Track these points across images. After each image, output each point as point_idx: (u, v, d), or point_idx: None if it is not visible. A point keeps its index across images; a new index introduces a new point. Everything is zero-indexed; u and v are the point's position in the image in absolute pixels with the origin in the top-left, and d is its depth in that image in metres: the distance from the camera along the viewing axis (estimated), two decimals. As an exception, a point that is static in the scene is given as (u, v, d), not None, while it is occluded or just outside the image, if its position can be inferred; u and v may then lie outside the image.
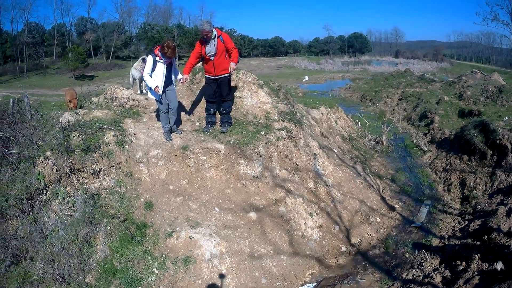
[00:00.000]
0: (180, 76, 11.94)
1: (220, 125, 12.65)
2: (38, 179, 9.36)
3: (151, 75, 11.13)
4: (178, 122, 12.56)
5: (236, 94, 13.95)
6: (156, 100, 11.56)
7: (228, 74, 12.03)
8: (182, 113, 13.09)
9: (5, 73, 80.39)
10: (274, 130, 12.60)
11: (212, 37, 11.46)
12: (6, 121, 11.42)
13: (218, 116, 12.88)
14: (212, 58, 11.60)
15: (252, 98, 13.94)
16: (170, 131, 11.85)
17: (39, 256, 8.80)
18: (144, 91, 15.21)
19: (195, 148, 11.37)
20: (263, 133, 12.30)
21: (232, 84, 13.70)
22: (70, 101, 15.08)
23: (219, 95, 12.36)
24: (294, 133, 13.01)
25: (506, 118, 17.81)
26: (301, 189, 11.88)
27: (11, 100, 12.48)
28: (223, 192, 11.13)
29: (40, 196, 9.45)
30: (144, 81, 11.61)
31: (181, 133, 12.14)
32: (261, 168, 11.56)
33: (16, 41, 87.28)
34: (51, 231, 9.13)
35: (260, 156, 11.63)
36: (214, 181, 11.15)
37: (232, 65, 11.78)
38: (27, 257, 8.98)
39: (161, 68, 11.08)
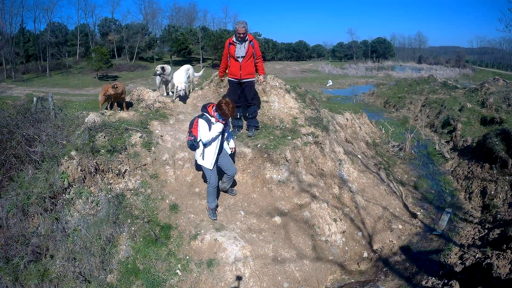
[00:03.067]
0: (232, 144, 10.59)
1: (247, 129, 12.78)
2: (61, 178, 9.51)
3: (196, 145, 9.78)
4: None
5: (263, 98, 14.13)
6: (205, 170, 10.04)
7: (253, 79, 12.10)
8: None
9: (27, 71, 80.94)
10: (301, 135, 12.71)
11: (245, 40, 11.54)
12: (30, 119, 11.47)
13: (244, 121, 12.94)
14: (240, 60, 11.69)
15: (279, 102, 14.11)
16: (216, 208, 10.52)
17: (59, 254, 8.96)
18: (170, 93, 15.35)
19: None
20: (290, 138, 12.44)
21: (259, 88, 13.89)
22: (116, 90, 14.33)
23: (244, 99, 12.43)
24: (321, 139, 13.11)
25: (528, 126, 17.78)
26: (326, 194, 11.97)
27: (35, 98, 12.59)
28: (249, 195, 11.24)
29: (63, 195, 9.60)
30: (210, 141, 9.55)
31: (235, 194, 11.19)
32: (287, 172, 11.67)
33: (39, 40, 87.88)
34: (73, 230, 9.30)
35: (287, 161, 11.76)
36: (240, 184, 11.27)
37: (261, 77, 12.05)
38: (47, 254, 9.13)
39: (217, 129, 9.51)
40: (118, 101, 14.66)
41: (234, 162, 11.23)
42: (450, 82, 38.30)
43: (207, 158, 9.69)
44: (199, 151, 9.81)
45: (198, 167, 10.93)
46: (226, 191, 11.06)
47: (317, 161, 12.70)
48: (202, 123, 9.45)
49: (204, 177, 11.14)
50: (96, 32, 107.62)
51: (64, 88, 57.77)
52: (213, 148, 9.62)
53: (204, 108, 9.70)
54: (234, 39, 11.74)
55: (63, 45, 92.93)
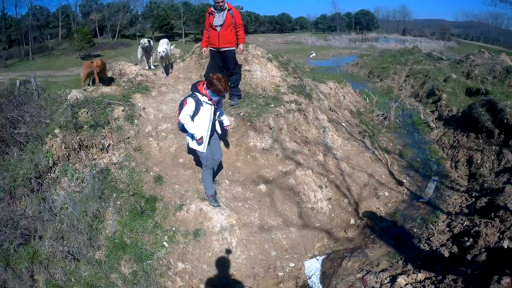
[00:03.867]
0: (227, 121, 10.01)
1: (229, 98, 12.63)
2: (46, 157, 9.51)
3: (192, 120, 8.85)
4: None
5: (245, 67, 13.98)
6: (199, 153, 9.37)
7: (233, 48, 11.95)
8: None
9: (10, 57, 79.74)
10: (284, 103, 12.62)
11: (223, 9, 11.36)
12: (13, 102, 11.53)
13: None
14: (218, 29, 11.55)
15: (261, 71, 13.99)
16: (215, 193, 9.98)
17: (48, 234, 9.00)
18: (152, 67, 15.21)
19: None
20: (272, 106, 12.30)
21: (241, 57, 13.76)
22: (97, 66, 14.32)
23: (225, 68, 12.30)
24: (304, 106, 13.03)
25: (513, 98, 17.78)
26: (311, 161, 11.90)
27: (18, 81, 12.47)
28: (233, 164, 11.14)
29: (49, 174, 9.62)
30: (184, 125, 8.79)
31: (218, 184, 10.52)
32: (270, 140, 11.57)
33: (21, 25, 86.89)
34: (60, 208, 9.30)
35: (270, 128, 11.65)
36: (223, 153, 11.03)
37: (241, 46, 11.83)
38: (36, 236, 9.16)
39: (208, 111, 8.91)
40: (100, 76, 14.52)
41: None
42: (435, 54, 38.21)
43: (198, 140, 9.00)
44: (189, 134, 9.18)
45: (190, 150, 10.43)
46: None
47: (300, 129, 12.59)
48: (190, 102, 8.63)
49: (187, 148, 10.92)
50: (77, 13, 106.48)
51: (48, 71, 57.10)
52: (205, 130, 8.95)
53: (194, 87, 8.93)
54: (213, 8, 11.62)
55: (45, 28, 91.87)
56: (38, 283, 8.73)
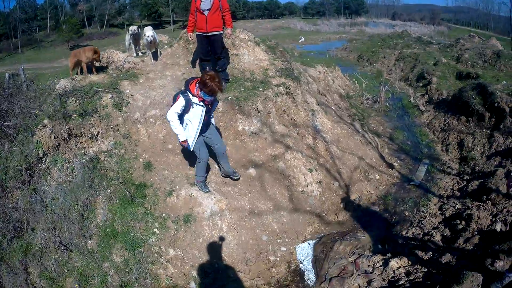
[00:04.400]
0: (213, 120, 9.64)
1: None
2: (36, 148, 9.42)
3: (182, 120, 8.61)
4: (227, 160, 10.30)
5: (233, 51, 13.93)
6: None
7: (220, 32, 11.83)
8: (178, 73, 12.92)
9: (-1, 51, 79.84)
10: (272, 86, 12.52)
11: None
12: (3, 95, 11.44)
13: None
14: (205, 13, 11.42)
15: (249, 55, 13.92)
16: (205, 180, 9.84)
17: (40, 226, 8.91)
18: (140, 54, 15.09)
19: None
20: (260, 89, 12.18)
21: (229, 41, 13.73)
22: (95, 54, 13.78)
23: (213, 53, 12.21)
24: (292, 89, 12.95)
25: (504, 82, 17.72)
26: (300, 144, 11.83)
27: (7, 74, 12.41)
28: (222, 148, 11.02)
29: (39, 165, 9.54)
30: (169, 123, 8.49)
31: (238, 178, 10.31)
32: (259, 124, 11.45)
33: (9, 18, 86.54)
34: (51, 199, 9.21)
35: (258, 112, 11.54)
36: (213, 138, 11.07)
37: (228, 30, 11.74)
38: (28, 228, 9.10)
39: (198, 112, 8.51)
40: (87, 65, 14.33)
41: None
42: (425, 38, 38.38)
43: (189, 137, 8.66)
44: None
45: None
46: (228, 176, 10.29)
47: (289, 112, 12.51)
48: (180, 100, 8.25)
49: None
50: (65, 4, 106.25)
51: (37, 63, 56.80)
52: (195, 128, 8.59)
53: (187, 85, 8.47)
54: None
55: (33, 20, 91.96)
56: (32, 276, 8.65)
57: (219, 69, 12.29)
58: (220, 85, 8.22)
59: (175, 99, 8.52)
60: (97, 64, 14.31)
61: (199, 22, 11.69)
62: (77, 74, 14.09)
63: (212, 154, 9.90)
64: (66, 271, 8.63)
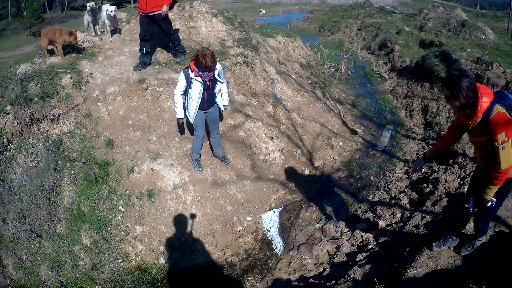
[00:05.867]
0: (226, 101, 9.81)
1: (174, 56, 12.30)
2: (0, 136, 9.18)
3: (185, 95, 9.16)
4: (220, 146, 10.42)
5: (190, 24, 13.76)
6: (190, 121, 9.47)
7: (161, 12, 11.36)
8: (136, 49, 12.76)
9: (-42, 44, 78.12)
10: (230, 56, 12.46)
11: None
12: None
13: (153, 57, 12.48)
14: None
15: (206, 27, 13.76)
16: (199, 158, 10.10)
17: (10, 215, 8.72)
18: (98, 33, 14.85)
19: (151, 80, 11.07)
20: (218, 59, 11.89)
21: (186, 14, 13.56)
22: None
23: (163, 32, 11.93)
24: (250, 58, 12.90)
25: (469, 50, 17.88)
26: (260, 113, 11.80)
27: (-35, 68, 12.18)
28: (182, 121, 10.93)
29: (5, 153, 9.28)
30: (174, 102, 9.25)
31: (228, 162, 10.41)
32: (218, 94, 11.35)
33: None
34: (19, 187, 9.02)
35: (217, 82, 11.43)
36: (172, 111, 10.80)
37: (164, 8, 11.36)
38: None
39: (197, 88, 8.80)
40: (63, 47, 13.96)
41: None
42: (388, 8, 38.48)
43: (190, 110, 9.15)
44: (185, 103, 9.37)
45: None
46: (218, 157, 10.41)
47: (248, 81, 12.47)
48: (181, 77, 8.76)
49: (135, 109, 10.83)
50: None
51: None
52: (194, 103, 8.96)
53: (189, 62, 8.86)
54: None
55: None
56: (7, 268, 8.46)
57: (173, 45, 12.13)
58: (212, 60, 8.34)
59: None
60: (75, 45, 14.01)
61: (140, 2, 11.35)
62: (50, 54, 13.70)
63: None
64: (39, 259, 8.50)
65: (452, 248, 6.32)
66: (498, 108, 4.49)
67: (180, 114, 9.23)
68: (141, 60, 11.80)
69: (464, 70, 4.66)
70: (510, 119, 4.49)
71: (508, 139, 4.46)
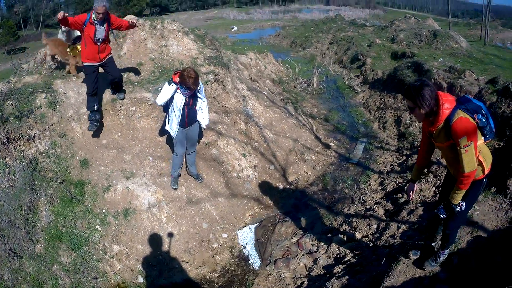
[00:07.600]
0: (207, 120, 9.84)
1: (116, 94, 11.38)
2: None
3: (167, 107, 9.26)
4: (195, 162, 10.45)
5: (162, 42, 13.75)
6: (172, 137, 9.53)
7: (111, 55, 10.58)
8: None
9: None
10: (201, 74, 12.40)
11: (104, 20, 9.78)
12: None
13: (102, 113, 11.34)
14: (99, 43, 9.96)
15: (177, 45, 13.80)
16: (178, 177, 10.11)
17: None
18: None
19: (124, 100, 11.12)
20: (189, 77, 12.12)
21: (157, 33, 13.67)
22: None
23: (113, 77, 10.80)
24: (221, 76, 12.98)
25: (441, 59, 18.15)
26: (232, 130, 11.88)
27: None
28: (155, 140, 10.98)
29: None
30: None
31: (202, 180, 10.41)
32: (190, 112, 11.41)
33: None
34: None
35: (188, 100, 11.49)
36: (145, 130, 10.95)
37: (132, 18, 10.76)
38: None
39: (179, 100, 8.92)
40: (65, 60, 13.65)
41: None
42: (359, 21, 38.88)
43: (172, 124, 9.20)
44: (167, 116, 9.49)
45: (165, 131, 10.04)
46: (192, 175, 10.40)
47: (219, 99, 12.52)
48: (164, 86, 8.89)
49: (109, 129, 10.84)
50: (2, 6, 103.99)
51: (-27, 73, 55.28)
52: (177, 115, 9.04)
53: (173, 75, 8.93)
54: (93, 16, 9.63)
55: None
56: None
57: (121, 97, 11.33)
58: (194, 84, 8.54)
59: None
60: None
61: (90, 52, 10.06)
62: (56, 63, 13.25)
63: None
64: (19, 278, 8.41)
65: (413, 262, 6.43)
66: (460, 114, 4.61)
67: (170, 89, 8.84)
68: (94, 119, 10.62)
69: (424, 80, 4.80)
70: (472, 123, 4.62)
71: (471, 143, 4.58)
